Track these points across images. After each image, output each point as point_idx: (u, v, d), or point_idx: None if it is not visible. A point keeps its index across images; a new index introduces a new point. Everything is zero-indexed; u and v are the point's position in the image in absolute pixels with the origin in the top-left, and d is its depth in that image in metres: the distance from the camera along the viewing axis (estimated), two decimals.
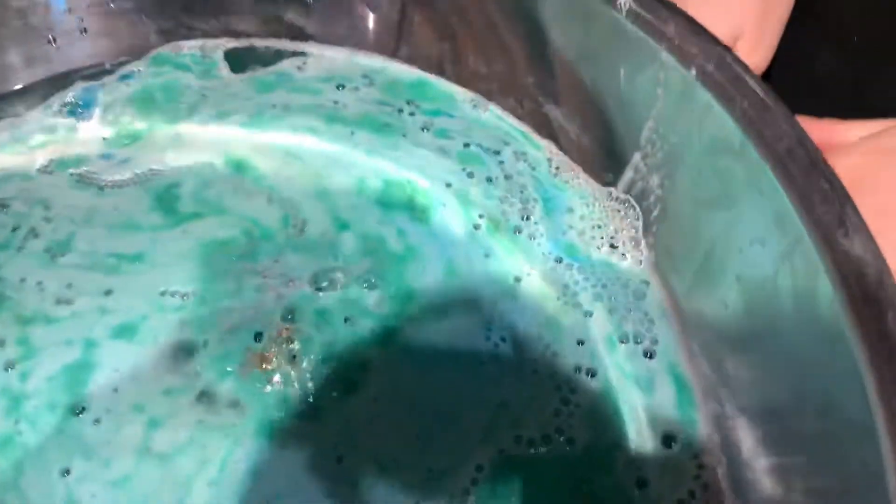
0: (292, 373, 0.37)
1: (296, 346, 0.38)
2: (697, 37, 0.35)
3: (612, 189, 0.42)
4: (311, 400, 0.37)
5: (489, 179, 0.44)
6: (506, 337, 0.38)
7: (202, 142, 0.47)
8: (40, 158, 0.46)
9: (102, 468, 0.35)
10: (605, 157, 0.43)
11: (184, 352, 0.38)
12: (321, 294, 0.40)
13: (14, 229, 0.43)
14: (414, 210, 0.44)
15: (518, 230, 0.42)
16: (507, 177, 0.44)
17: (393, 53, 0.51)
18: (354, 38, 0.51)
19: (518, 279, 0.41)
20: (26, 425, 0.36)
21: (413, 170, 0.45)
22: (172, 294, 0.40)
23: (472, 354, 0.38)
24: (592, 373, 0.37)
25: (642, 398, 0.36)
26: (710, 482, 0.34)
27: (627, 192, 0.41)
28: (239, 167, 0.46)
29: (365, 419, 0.36)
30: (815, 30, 0.49)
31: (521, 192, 0.43)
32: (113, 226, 0.43)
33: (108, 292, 0.40)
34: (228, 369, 0.37)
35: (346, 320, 0.39)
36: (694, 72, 0.35)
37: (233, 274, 0.41)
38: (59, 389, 0.37)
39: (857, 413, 0.25)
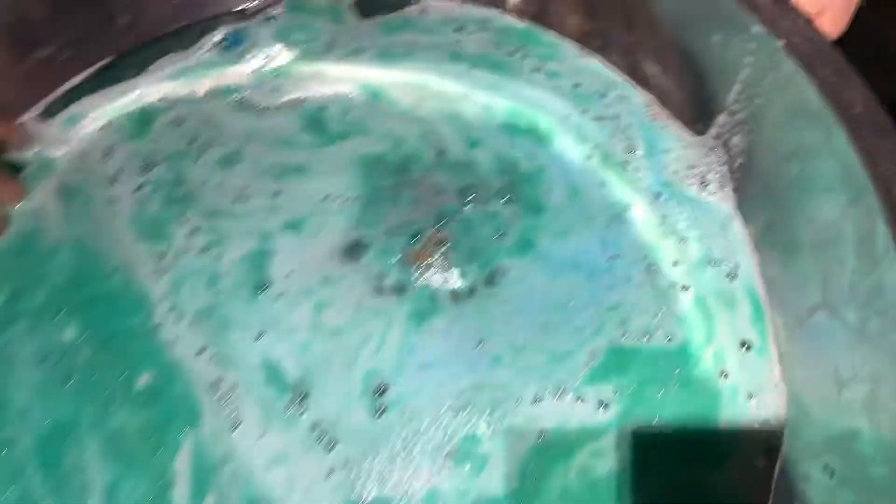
0: (443, 270, 0.47)
1: (447, 247, 0.47)
2: (786, 11, 0.43)
3: (701, 137, 0.51)
4: (457, 293, 0.46)
5: (599, 118, 0.52)
6: (617, 253, 0.48)
7: (340, 74, 0.56)
8: (202, 88, 0.55)
9: (286, 336, 0.45)
10: (695, 111, 0.51)
11: (347, 245, 0.48)
12: (466, 206, 0.49)
13: (191, 141, 0.53)
14: (538, 137, 0.52)
15: (625, 164, 0.51)
16: (614, 117, 0.52)
17: (502, 8, 0.59)
18: None
19: (627, 206, 0.49)
20: (225, 297, 0.46)
21: (531, 103, 0.53)
22: (334, 198, 0.50)
23: (589, 265, 0.47)
24: (686, 287, 0.46)
25: (725, 311, 0.46)
26: (776, 380, 0.44)
27: (716, 139, 0.49)
28: (374, 94, 0.55)
29: (501, 311, 0.46)
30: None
31: (626, 131, 0.52)
32: (273, 142, 0.52)
33: (276, 194, 0.50)
34: (389, 262, 0.47)
35: (487, 228, 0.48)
36: (782, 43, 0.42)
37: (390, 185, 0.50)
38: (245, 270, 0.47)
39: None
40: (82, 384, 0.44)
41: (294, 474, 0.41)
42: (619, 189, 0.50)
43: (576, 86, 0.55)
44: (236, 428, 0.42)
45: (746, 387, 0.44)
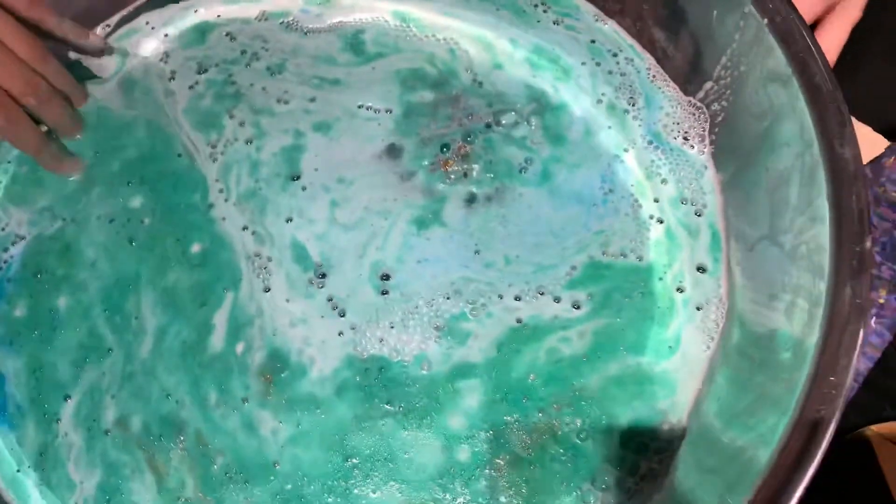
0: (463, 179, 0.57)
1: (471, 162, 0.58)
2: None
3: (691, 98, 0.60)
4: (466, 203, 0.57)
5: (610, 71, 0.62)
6: (612, 188, 0.58)
7: (378, 4, 0.65)
8: (255, 10, 0.66)
9: (309, 224, 0.56)
10: (689, 74, 0.60)
11: (385, 151, 0.59)
12: (496, 127, 0.59)
13: (242, 52, 0.63)
14: (558, 71, 0.62)
15: (626, 113, 0.60)
16: (621, 73, 0.62)
17: None
18: None
19: (625, 149, 0.59)
20: (263, 184, 0.57)
21: (554, 44, 0.63)
22: (367, 108, 0.60)
23: (587, 194, 0.57)
24: (661, 220, 0.57)
25: (689, 240, 0.56)
26: (722, 296, 0.55)
27: (702, 101, 0.59)
28: (405, 19, 0.64)
29: (501, 226, 0.56)
30: None
31: (630, 86, 0.61)
32: (315, 58, 0.62)
33: (312, 99, 0.61)
34: (422, 165, 0.58)
35: (508, 149, 0.58)
36: (766, 21, 0.51)
37: (427, 101, 0.60)
38: (281, 162, 0.58)
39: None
40: (144, 245, 0.57)
41: (311, 332, 0.53)
42: (621, 134, 0.60)
43: (592, 41, 0.64)
44: (267, 292, 0.54)
45: (696, 300, 0.55)
